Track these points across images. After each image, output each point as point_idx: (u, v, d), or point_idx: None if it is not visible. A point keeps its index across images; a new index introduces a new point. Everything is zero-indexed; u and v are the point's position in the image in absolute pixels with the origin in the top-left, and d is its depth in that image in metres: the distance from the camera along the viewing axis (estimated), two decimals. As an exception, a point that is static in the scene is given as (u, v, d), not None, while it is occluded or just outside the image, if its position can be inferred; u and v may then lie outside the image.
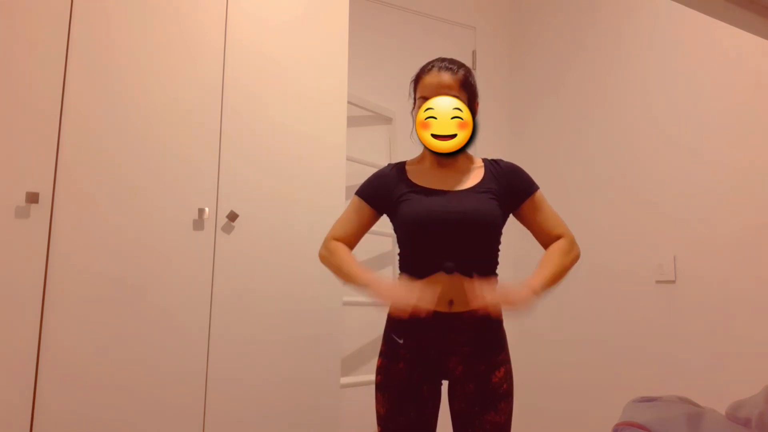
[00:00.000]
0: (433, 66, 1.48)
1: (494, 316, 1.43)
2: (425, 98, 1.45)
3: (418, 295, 1.29)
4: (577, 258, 1.46)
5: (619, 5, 2.67)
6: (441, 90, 1.44)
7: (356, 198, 1.55)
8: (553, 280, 1.39)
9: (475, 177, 1.49)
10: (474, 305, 1.30)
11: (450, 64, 1.48)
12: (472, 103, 1.49)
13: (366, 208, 1.53)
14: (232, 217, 1.85)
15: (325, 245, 1.52)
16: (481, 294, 1.29)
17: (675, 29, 2.39)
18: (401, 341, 1.44)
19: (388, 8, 2.99)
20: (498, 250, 1.48)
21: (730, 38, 2.18)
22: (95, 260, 1.67)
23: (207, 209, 1.83)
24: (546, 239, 1.50)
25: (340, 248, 1.48)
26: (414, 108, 1.54)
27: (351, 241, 1.53)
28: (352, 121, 2.79)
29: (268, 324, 1.90)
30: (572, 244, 1.48)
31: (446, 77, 1.45)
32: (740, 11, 1.39)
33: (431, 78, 1.46)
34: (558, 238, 1.49)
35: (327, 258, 1.49)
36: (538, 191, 1.51)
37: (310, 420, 1.93)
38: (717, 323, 2.13)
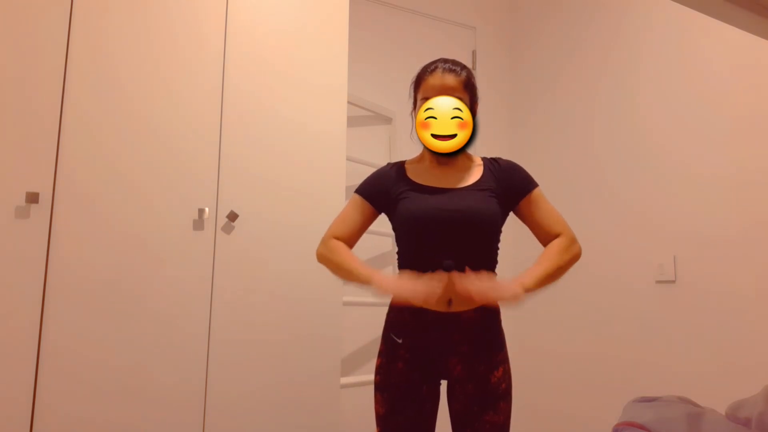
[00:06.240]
0: (436, 67, 1.47)
1: (492, 310, 1.44)
2: (428, 99, 1.44)
3: (424, 290, 1.28)
4: (577, 256, 1.45)
5: (618, 5, 2.67)
6: (445, 91, 1.43)
7: (356, 196, 1.54)
8: (547, 278, 1.37)
9: (474, 175, 1.49)
10: (464, 301, 1.29)
11: (453, 66, 1.48)
12: (473, 104, 1.49)
13: (365, 206, 1.53)
14: (232, 217, 1.85)
15: (324, 243, 1.50)
16: (470, 288, 1.27)
17: (673, 28, 2.39)
18: (400, 341, 1.44)
19: (388, 8, 2.99)
20: (497, 249, 1.48)
21: (730, 36, 2.18)
22: (95, 260, 1.67)
23: (207, 209, 1.83)
24: (545, 237, 1.50)
25: (340, 246, 1.47)
26: (414, 109, 1.53)
27: (350, 240, 1.52)
28: (352, 121, 2.79)
29: (268, 324, 1.90)
30: (572, 241, 1.46)
31: (450, 79, 1.45)
32: (740, 11, 1.39)
33: (435, 79, 1.46)
34: (557, 236, 1.48)
35: (326, 256, 1.48)
36: (537, 188, 1.51)
37: (310, 420, 1.93)
38: (717, 323, 2.13)
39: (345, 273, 1.42)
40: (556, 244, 1.45)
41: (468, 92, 1.47)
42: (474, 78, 1.51)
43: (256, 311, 1.88)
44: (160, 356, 1.72)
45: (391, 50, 2.97)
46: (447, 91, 1.43)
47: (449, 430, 1.48)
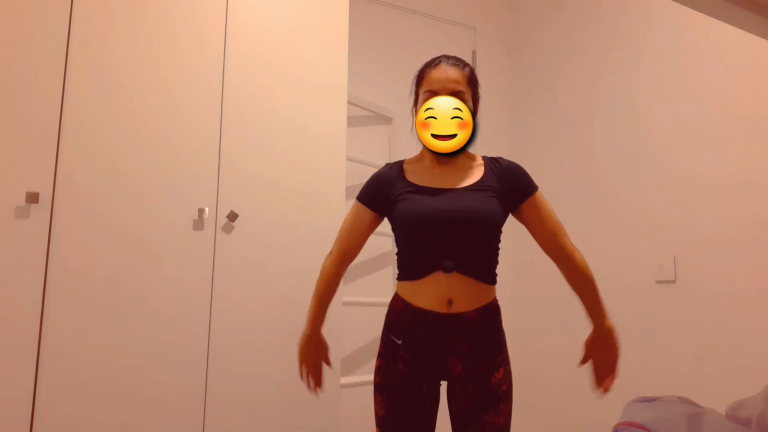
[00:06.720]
0: (440, 61, 1.48)
1: (492, 310, 1.44)
2: (432, 92, 1.44)
3: (302, 361, 1.58)
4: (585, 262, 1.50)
5: (618, 5, 2.67)
6: (449, 84, 1.43)
7: (356, 203, 1.55)
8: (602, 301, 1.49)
9: (475, 175, 1.49)
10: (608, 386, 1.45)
11: (457, 61, 1.49)
12: (475, 101, 1.50)
13: (367, 213, 1.53)
14: (232, 217, 1.85)
15: (326, 261, 1.59)
16: (609, 379, 1.44)
17: (673, 28, 2.39)
18: (400, 342, 1.43)
19: (388, 8, 2.99)
20: (498, 249, 1.48)
21: (730, 36, 2.18)
22: (95, 260, 1.67)
23: (207, 209, 1.83)
24: (544, 240, 1.50)
25: (325, 277, 1.57)
26: (415, 105, 1.53)
27: (355, 248, 1.56)
28: (352, 121, 2.79)
29: (267, 324, 1.90)
30: (575, 251, 1.48)
31: (454, 72, 1.45)
32: (740, 11, 1.39)
33: (439, 72, 1.46)
34: (557, 241, 1.48)
35: (319, 274, 1.59)
36: (538, 192, 1.51)
37: (310, 420, 1.93)
38: (717, 323, 2.13)
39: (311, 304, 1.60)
40: (581, 265, 1.48)
41: (471, 87, 1.48)
42: (476, 75, 1.52)
43: (256, 311, 1.88)
44: (160, 356, 1.72)
45: (391, 50, 2.97)
46: (451, 84, 1.43)
47: (449, 430, 1.47)
